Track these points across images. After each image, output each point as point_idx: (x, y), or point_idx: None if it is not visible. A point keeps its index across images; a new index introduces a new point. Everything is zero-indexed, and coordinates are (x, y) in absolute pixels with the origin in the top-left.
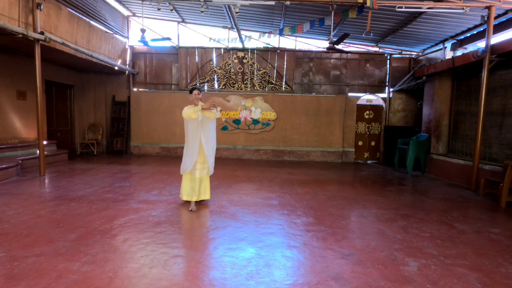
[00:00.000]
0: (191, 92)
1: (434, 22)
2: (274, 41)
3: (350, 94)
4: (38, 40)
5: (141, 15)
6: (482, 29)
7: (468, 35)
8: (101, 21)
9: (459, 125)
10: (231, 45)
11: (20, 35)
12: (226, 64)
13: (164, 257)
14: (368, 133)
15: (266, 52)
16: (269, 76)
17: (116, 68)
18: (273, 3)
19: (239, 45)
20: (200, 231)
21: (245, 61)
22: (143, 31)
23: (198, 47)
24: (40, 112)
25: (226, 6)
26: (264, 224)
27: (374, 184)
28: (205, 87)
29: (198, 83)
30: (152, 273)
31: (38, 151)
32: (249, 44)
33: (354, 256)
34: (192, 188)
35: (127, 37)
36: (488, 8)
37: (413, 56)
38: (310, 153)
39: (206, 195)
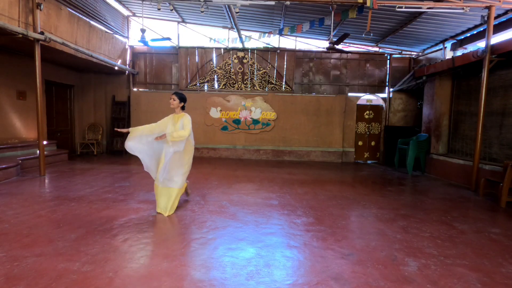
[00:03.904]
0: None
1: (434, 22)
2: (274, 41)
3: (350, 94)
4: (38, 40)
5: (141, 15)
6: (482, 29)
7: (468, 35)
8: (101, 21)
9: (459, 125)
10: (231, 45)
11: (20, 35)
12: (226, 64)
13: (164, 257)
14: (368, 133)
15: (266, 52)
16: (269, 76)
17: (116, 68)
18: (273, 3)
19: (239, 45)
20: (200, 231)
21: (245, 61)
22: (143, 31)
23: (198, 47)
24: (40, 112)
25: (226, 6)
26: (264, 224)
27: (374, 184)
28: (205, 87)
29: (198, 83)
30: (152, 273)
31: (38, 151)
32: (249, 44)
33: (354, 256)
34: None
35: (127, 37)
36: (488, 8)
37: (413, 56)
38: (310, 153)
39: (163, 210)
